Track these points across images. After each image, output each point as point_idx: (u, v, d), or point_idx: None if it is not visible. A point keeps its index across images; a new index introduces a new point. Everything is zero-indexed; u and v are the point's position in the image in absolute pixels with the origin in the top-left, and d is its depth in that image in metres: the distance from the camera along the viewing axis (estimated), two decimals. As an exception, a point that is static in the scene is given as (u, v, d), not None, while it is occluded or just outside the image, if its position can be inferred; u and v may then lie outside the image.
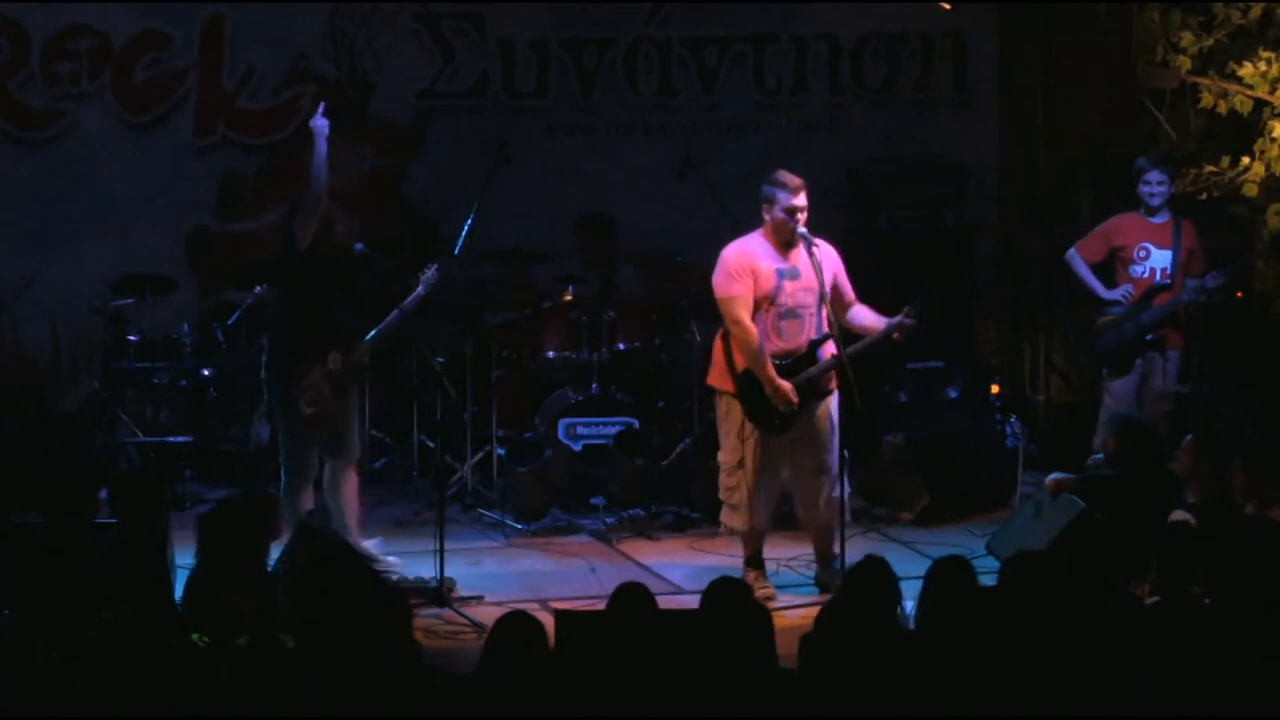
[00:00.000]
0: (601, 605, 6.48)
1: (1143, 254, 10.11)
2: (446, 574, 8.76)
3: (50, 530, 7.61)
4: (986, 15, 12.14)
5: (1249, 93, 10.96)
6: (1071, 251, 10.25)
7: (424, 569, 8.95)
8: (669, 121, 11.91)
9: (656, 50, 11.88)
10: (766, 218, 8.81)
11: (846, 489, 8.91)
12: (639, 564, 9.58)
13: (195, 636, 6.26)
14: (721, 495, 9.02)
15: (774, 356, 8.72)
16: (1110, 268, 10.22)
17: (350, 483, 9.13)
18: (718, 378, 8.92)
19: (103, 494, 8.60)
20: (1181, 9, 11.31)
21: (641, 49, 11.87)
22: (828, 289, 8.74)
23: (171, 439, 10.81)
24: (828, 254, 8.87)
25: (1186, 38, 11.17)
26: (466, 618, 8.46)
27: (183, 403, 10.94)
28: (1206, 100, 11.16)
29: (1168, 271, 10.08)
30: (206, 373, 10.84)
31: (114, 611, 6.08)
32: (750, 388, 8.75)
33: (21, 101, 11.32)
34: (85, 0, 11.30)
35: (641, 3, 11.83)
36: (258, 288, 10.81)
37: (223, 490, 10.24)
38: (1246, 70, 10.89)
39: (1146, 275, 10.11)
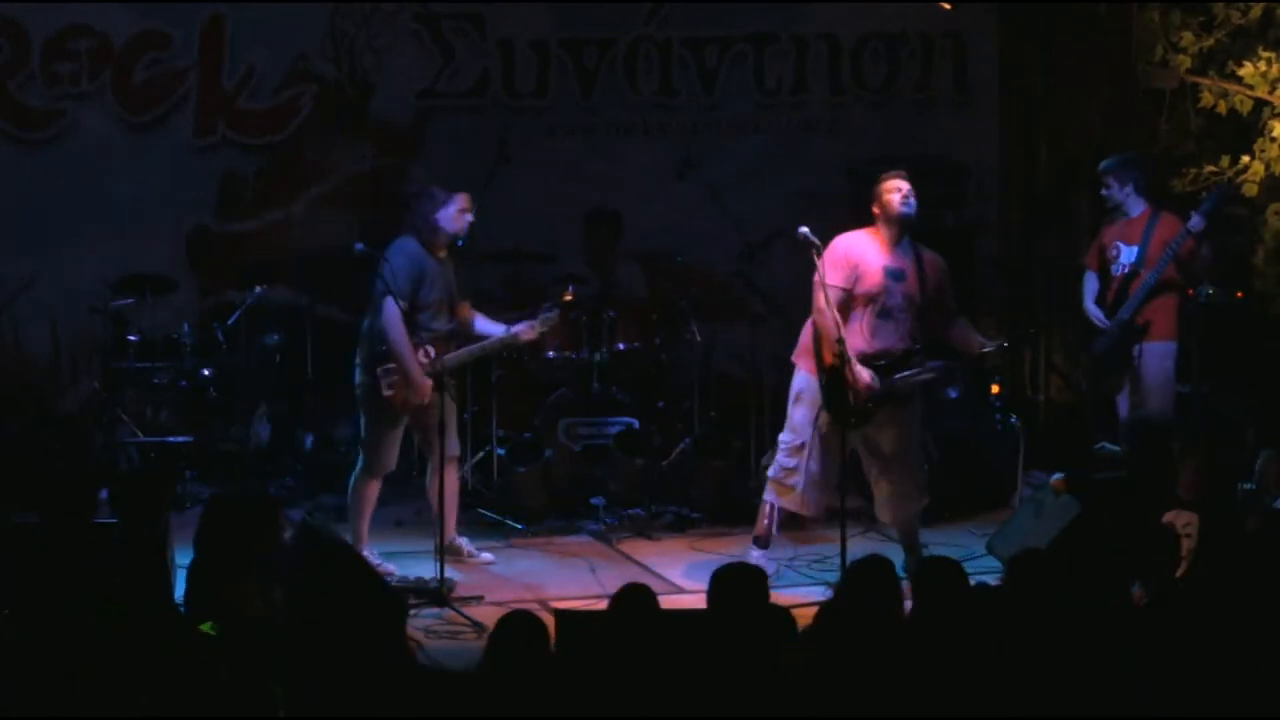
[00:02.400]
0: (601, 605, 6.49)
1: (1114, 253, 10.13)
2: (446, 574, 8.78)
3: (50, 530, 7.61)
4: (986, 15, 12.15)
5: (1249, 93, 10.95)
6: (1086, 274, 10.25)
7: (424, 569, 8.97)
8: (669, 121, 11.91)
9: (656, 50, 11.88)
10: (875, 211, 8.84)
11: (924, 485, 9.00)
12: (639, 564, 9.58)
13: (206, 626, 6.25)
14: (775, 474, 9.03)
15: (869, 356, 8.74)
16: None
17: (448, 481, 9.24)
18: (801, 356, 8.95)
19: (103, 494, 8.61)
20: (1181, 9, 11.30)
21: (641, 49, 11.87)
22: (929, 297, 8.78)
23: (171, 439, 10.80)
24: (934, 262, 8.91)
25: (1186, 38, 11.16)
26: (466, 618, 8.47)
27: (183, 403, 10.93)
28: (1206, 100, 11.15)
29: (1135, 265, 10.03)
30: (206, 373, 10.83)
31: (114, 611, 6.08)
32: (832, 382, 8.72)
33: (21, 101, 11.32)
34: (85, 0, 11.29)
35: (641, 3, 11.83)
36: (258, 288, 10.82)
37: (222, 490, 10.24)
38: (1246, 70, 10.89)
39: (1119, 273, 10.11)
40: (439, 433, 9.07)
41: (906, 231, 8.87)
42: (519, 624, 5.87)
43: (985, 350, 8.92)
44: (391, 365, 9.00)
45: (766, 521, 9.14)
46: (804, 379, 8.93)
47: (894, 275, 8.77)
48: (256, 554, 7.09)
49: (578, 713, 5.69)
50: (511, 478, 10.42)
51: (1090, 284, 10.20)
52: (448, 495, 9.27)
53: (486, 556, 9.54)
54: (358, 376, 9.20)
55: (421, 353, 9.08)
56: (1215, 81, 11.09)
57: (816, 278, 8.73)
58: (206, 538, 7.23)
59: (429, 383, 9.01)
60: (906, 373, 8.78)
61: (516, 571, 9.49)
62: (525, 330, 9.35)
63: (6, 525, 7.93)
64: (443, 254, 9.22)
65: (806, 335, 8.92)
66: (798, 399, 8.97)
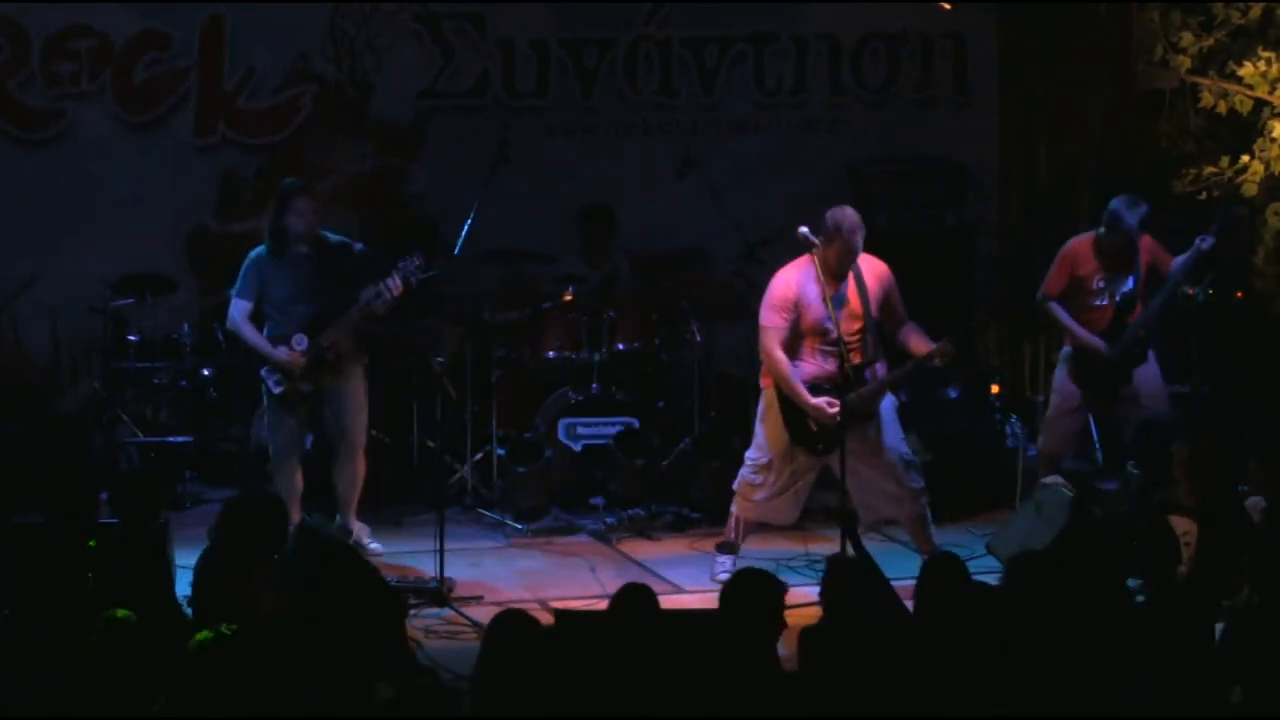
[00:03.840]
0: (602, 605, 6.49)
1: (1100, 284, 9.62)
2: (446, 574, 8.79)
3: (50, 530, 7.61)
4: (986, 15, 12.13)
5: (1249, 93, 10.97)
6: (1052, 304, 9.68)
7: (424, 569, 8.98)
8: (669, 121, 11.89)
9: (656, 50, 11.87)
10: (818, 246, 8.78)
11: (917, 482, 8.98)
12: (639, 564, 9.58)
13: (203, 636, 6.25)
14: (740, 488, 9.07)
15: (822, 380, 8.78)
16: (1070, 295, 9.72)
17: (352, 466, 9.60)
18: (765, 376, 8.99)
19: (103, 495, 8.61)
20: (1181, 9, 11.31)
21: (641, 49, 11.86)
22: (875, 311, 8.78)
23: (171, 439, 10.81)
24: (876, 273, 8.89)
25: (1186, 38, 11.18)
26: (466, 618, 8.48)
27: (183, 403, 10.93)
28: (1206, 100, 11.17)
29: (1131, 294, 9.62)
30: (206, 373, 10.83)
31: (114, 611, 6.08)
32: (793, 413, 8.81)
33: (21, 101, 11.30)
34: (85, 0, 11.28)
35: (641, 3, 11.82)
36: (258, 288, 10.82)
37: (223, 490, 10.25)
38: (1246, 70, 10.91)
39: (1105, 304, 9.64)
40: (338, 421, 9.54)
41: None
42: (512, 623, 5.87)
43: (932, 354, 8.78)
44: (269, 366, 9.47)
45: (733, 535, 9.23)
46: (768, 395, 9.00)
47: (836, 302, 8.76)
48: (268, 554, 7.12)
49: (576, 713, 5.69)
50: (511, 478, 10.42)
51: (1066, 313, 9.67)
52: (350, 481, 9.60)
53: (375, 547, 9.62)
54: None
55: (293, 341, 9.44)
56: (1215, 81, 11.10)
57: (762, 322, 8.85)
58: (225, 537, 7.24)
59: (294, 359, 9.40)
60: (862, 391, 8.76)
61: (516, 571, 9.50)
62: (389, 289, 9.40)
63: (6, 525, 7.93)
64: (303, 248, 9.49)
65: (761, 313, 8.97)
66: (763, 417, 9.04)
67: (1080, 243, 9.70)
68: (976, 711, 5.80)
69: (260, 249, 9.61)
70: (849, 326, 8.79)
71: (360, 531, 9.68)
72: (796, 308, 8.78)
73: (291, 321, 9.49)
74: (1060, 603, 6.21)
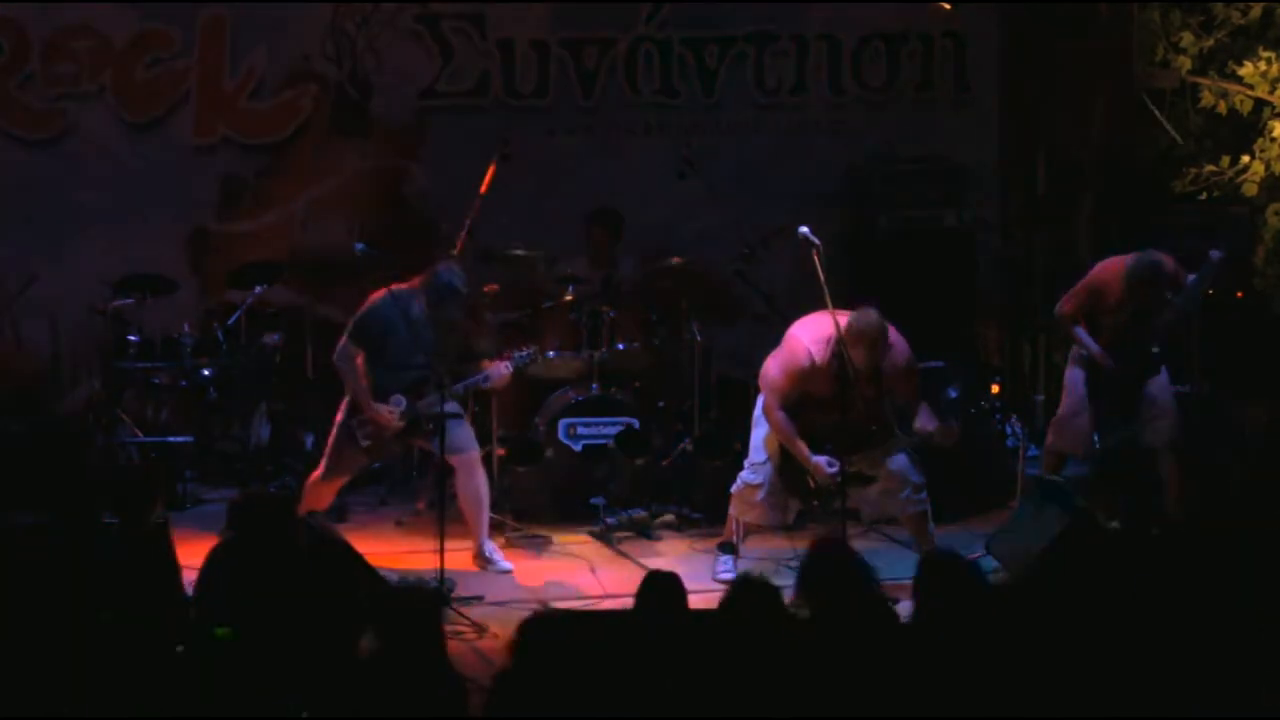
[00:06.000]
0: (601, 605, 6.48)
1: (1121, 310, 9.53)
2: (446, 574, 8.79)
3: (51, 530, 7.61)
4: (986, 15, 12.13)
5: (1249, 93, 10.98)
6: (1075, 328, 9.66)
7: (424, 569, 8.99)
8: (669, 121, 11.90)
9: (656, 50, 11.88)
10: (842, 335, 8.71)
11: (918, 478, 8.97)
12: (639, 564, 9.58)
13: (221, 631, 6.26)
14: (739, 490, 9.10)
15: (825, 439, 8.77)
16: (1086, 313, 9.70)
17: (474, 480, 9.35)
18: (764, 386, 8.99)
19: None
20: (1181, 9, 11.33)
21: (641, 49, 11.87)
22: (884, 392, 8.79)
23: (171, 439, 10.80)
24: (895, 365, 8.80)
25: (1186, 37, 11.19)
26: (466, 618, 8.47)
27: (183, 403, 10.93)
28: (1206, 100, 11.18)
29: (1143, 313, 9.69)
30: (206, 373, 10.83)
31: (115, 611, 6.09)
32: (791, 466, 8.88)
33: (21, 101, 11.32)
34: (85, 0, 11.29)
35: (641, 3, 11.83)
36: (257, 288, 10.82)
37: (223, 490, 10.26)
38: (1246, 70, 10.92)
39: (1120, 319, 9.56)
40: (451, 443, 9.16)
41: None
42: (545, 625, 5.86)
43: (935, 432, 8.79)
44: (364, 417, 9.26)
45: (733, 535, 9.25)
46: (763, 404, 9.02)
47: (850, 378, 8.67)
48: (275, 553, 7.12)
49: (590, 709, 5.69)
50: (511, 478, 10.42)
51: (1088, 335, 9.63)
52: (475, 497, 9.34)
53: (506, 567, 9.49)
54: (342, 410, 9.38)
55: (392, 400, 9.25)
56: (1215, 81, 11.12)
57: (767, 377, 8.83)
58: (238, 536, 7.25)
59: (389, 421, 9.23)
60: (858, 457, 8.80)
61: (516, 571, 9.49)
62: (497, 376, 9.48)
63: (7, 525, 7.93)
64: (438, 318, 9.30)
65: (769, 371, 8.94)
66: (758, 421, 9.07)
67: (1112, 275, 9.56)
68: (977, 712, 5.80)
69: (389, 300, 9.25)
70: (864, 392, 8.71)
71: (492, 552, 9.43)
72: (810, 378, 8.75)
73: (396, 379, 9.28)
74: (1061, 602, 6.21)
